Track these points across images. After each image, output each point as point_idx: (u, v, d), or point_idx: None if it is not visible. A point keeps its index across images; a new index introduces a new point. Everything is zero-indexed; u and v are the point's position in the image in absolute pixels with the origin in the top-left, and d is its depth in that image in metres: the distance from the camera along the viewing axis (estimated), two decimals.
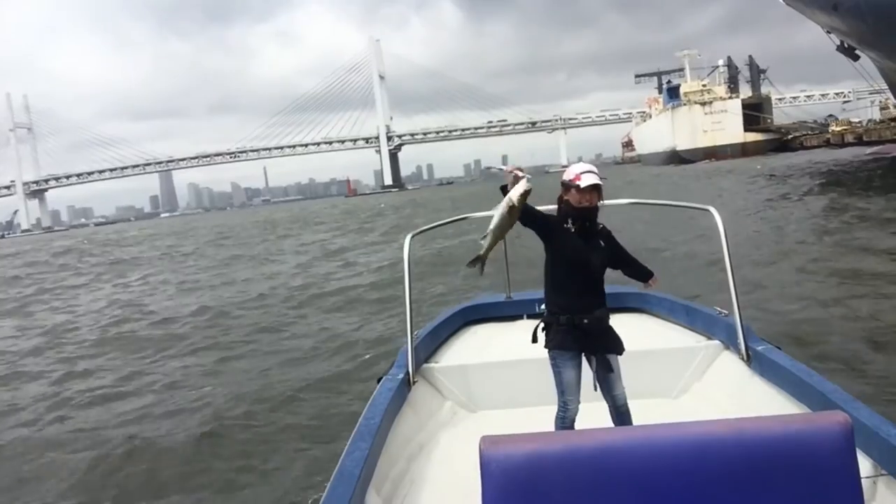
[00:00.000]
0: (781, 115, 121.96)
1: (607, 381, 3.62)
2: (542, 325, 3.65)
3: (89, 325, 14.93)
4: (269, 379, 8.61)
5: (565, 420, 3.59)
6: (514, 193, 3.18)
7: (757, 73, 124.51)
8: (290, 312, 13.63)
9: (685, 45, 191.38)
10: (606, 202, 5.59)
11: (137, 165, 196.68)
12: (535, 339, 3.66)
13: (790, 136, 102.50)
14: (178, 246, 42.68)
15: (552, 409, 4.39)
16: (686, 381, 4.61)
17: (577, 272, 3.49)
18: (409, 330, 4.54)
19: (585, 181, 3.43)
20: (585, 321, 3.50)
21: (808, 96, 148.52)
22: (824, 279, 11.04)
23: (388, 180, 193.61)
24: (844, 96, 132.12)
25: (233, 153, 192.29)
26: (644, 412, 3.69)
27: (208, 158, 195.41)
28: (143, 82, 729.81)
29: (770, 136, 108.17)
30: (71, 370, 10.48)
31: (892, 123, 71.74)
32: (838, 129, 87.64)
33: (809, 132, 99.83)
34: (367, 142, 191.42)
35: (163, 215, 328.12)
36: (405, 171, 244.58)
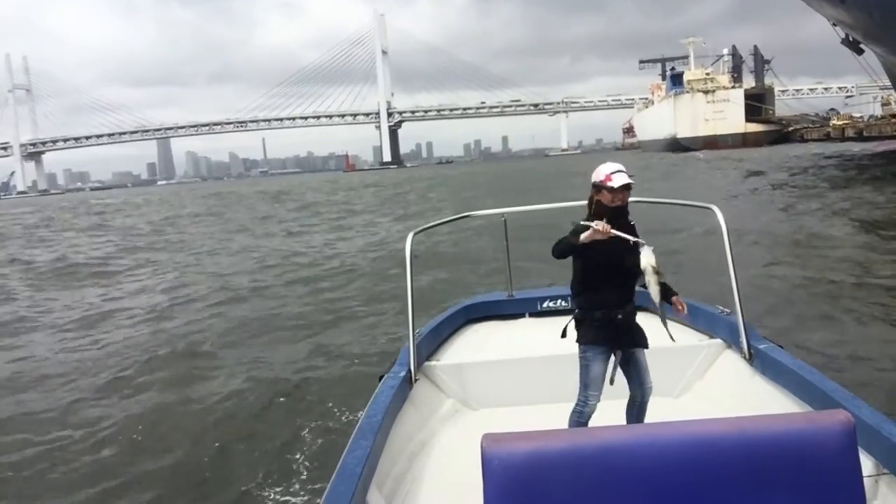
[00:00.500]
0: (784, 106, 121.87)
1: (638, 374, 3.69)
2: (573, 320, 3.69)
3: None
4: None
5: (583, 415, 3.65)
6: (653, 261, 3.44)
7: (761, 64, 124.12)
8: None
9: (690, 33, 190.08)
10: None
11: (136, 132, 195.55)
12: (564, 335, 3.72)
13: (791, 129, 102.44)
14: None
15: (554, 407, 4.40)
16: (688, 380, 4.60)
17: (612, 270, 3.52)
18: (411, 328, 4.53)
19: (617, 181, 3.49)
20: (619, 316, 3.58)
21: (811, 89, 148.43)
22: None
23: (387, 157, 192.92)
24: (847, 91, 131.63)
25: (232, 123, 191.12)
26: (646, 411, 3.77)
27: (207, 127, 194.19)
28: (145, 48, 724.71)
29: (771, 127, 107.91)
30: None
31: (893, 119, 71.74)
32: (839, 123, 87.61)
33: (810, 125, 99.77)
34: (367, 117, 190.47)
35: (160, 183, 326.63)
36: (404, 148, 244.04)
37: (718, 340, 4.73)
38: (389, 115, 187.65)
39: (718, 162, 55.64)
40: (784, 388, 3.79)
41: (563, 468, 1.84)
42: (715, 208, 4.45)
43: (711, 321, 4.89)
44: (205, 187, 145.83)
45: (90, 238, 28.50)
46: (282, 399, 6.72)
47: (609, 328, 3.58)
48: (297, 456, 5.50)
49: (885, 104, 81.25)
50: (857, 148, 59.55)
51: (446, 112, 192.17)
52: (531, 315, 6.04)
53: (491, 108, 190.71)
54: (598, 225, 3.33)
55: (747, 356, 4.25)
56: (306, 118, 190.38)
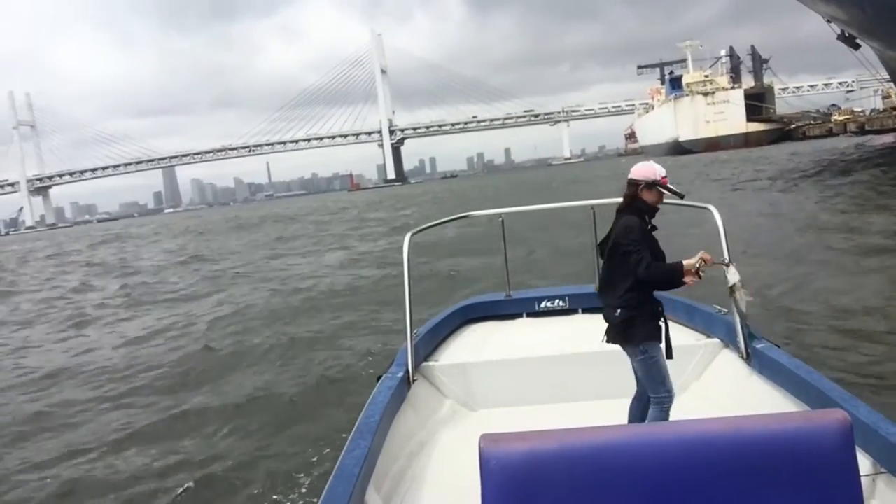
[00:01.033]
0: (784, 104, 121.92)
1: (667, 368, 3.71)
2: (621, 322, 3.61)
3: None
4: None
5: (669, 410, 3.59)
6: (738, 279, 3.67)
7: (759, 64, 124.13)
8: None
9: (688, 36, 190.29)
10: (605, 201, 5.72)
11: (141, 161, 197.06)
12: (610, 340, 3.68)
13: (793, 126, 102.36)
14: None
15: (552, 407, 4.51)
16: (685, 380, 4.56)
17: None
18: (409, 328, 4.53)
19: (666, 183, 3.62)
20: (663, 311, 3.66)
21: (812, 86, 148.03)
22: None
23: (391, 174, 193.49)
24: (848, 86, 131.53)
25: (235, 148, 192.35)
26: None
27: (211, 154, 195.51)
28: (146, 79, 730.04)
29: (773, 125, 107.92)
30: None
31: (895, 112, 71.60)
32: (841, 118, 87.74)
33: (812, 122, 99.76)
34: (369, 135, 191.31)
35: (166, 211, 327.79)
36: (408, 164, 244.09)
37: (716, 340, 4.74)
38: (391, 132, 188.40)
39: (739, 163, 53.51)
40: (781, 387, 3.79)
41: (561, 468, 1.83)
42: (712, 208, 4.46)
43: (709, 321, 4.88)
44: (212, 213, 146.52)
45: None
46: None
47: (659, 323, 3.62)
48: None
49: (886, 97, 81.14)
50: (879, 141, 58.95)
51: (447, 127, 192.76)
52: (529, 315, 6.05)
53: (492, 120, 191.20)
54: (703, 255, 3.54)
55: (745, 355, 4.25)
56: (309, 140, 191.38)
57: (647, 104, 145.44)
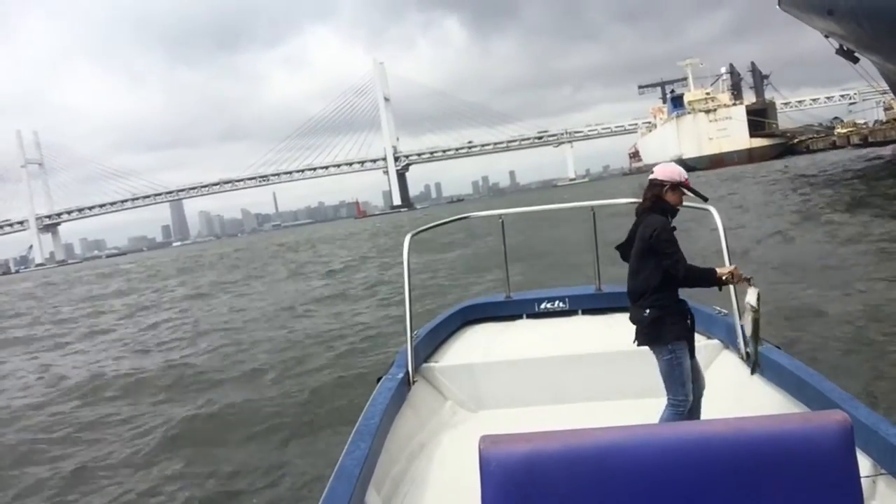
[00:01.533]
0: (787, 119, 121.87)
1: (695, 368, 3.72)
2: (649, 321, 3.62)
3: None
4: None
5: (684, 413, 3.58)
6: (755, 300, 3.68)
7: (760, 79, 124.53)
8: None
9: (688, 55, 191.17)
10: (606, 202, 5.74)
11: (148, 196, 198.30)
12: (640, 342, 3.67)
13: (796, 140, 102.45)
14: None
15: (552, 408, 4.49)
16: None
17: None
18: (409, 329, 4.54)
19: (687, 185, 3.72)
20: (690, 311, 3.68)
21: (814, 99, 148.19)
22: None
23: (397, 200, 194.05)
24: (850, 98, 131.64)
25: (242, 179, 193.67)
26: (643, 412, 3.73)
27: (218, 186, 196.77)
28: (153, 113, 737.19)
29: (776, 140, 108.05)
30: None
31: None
32: (843, 131, 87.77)
33: (815, 135, 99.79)
34: (374, 163, 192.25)
35: (175, 244, 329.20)
36: (414, 190, 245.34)
37: (716, 341, 4.75)
38: (396, 159, 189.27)
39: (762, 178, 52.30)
40: (782, 388, 3.79)
41: (561, 469, 1.83)
42: (712, 209, 4.49)
43: (709, 322, 4.86)
44: (220, 245, 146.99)
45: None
46: None
47: (687, 322, 3.65)
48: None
49: (888, 108, 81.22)
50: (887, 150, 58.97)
51: (452, 152, 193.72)
52: (529, 316, 6.05)
53: (496, 144, 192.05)
54: (732, 268, 3.63)
55: (745, 357, 4.25)
56: (315, 169, 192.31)
57: (649, 123, 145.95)
